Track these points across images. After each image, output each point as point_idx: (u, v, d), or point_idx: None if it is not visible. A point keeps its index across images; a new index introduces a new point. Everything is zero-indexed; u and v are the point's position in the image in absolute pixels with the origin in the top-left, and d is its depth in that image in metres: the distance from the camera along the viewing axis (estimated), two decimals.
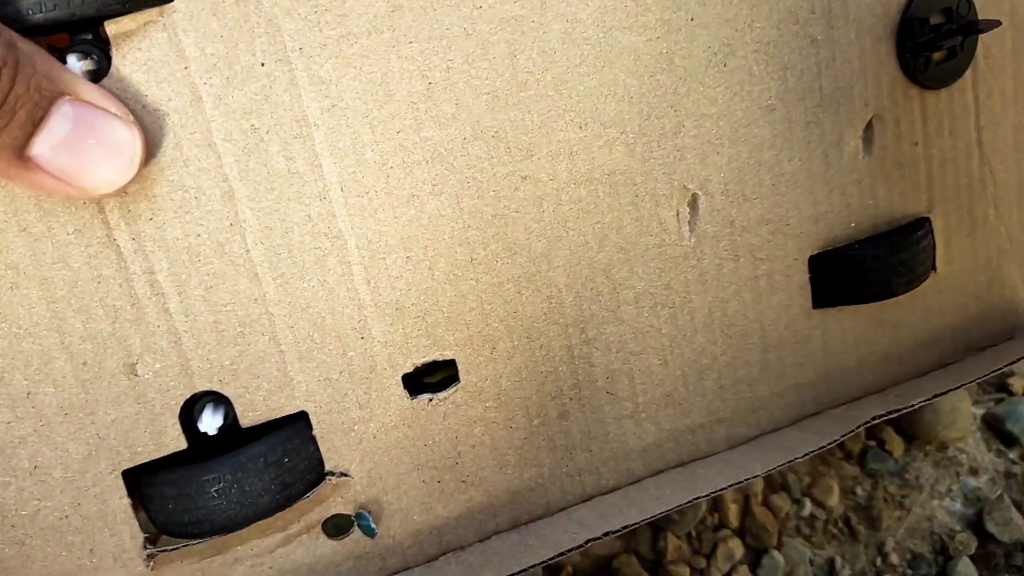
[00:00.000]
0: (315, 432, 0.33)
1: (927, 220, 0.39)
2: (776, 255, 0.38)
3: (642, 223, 0.35)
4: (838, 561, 0.59)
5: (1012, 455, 0.65)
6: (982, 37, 0.39)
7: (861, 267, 0.38)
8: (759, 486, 0.60)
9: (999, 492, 0.62)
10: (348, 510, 0.34)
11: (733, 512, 0.59)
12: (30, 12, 0.24)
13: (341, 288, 0.32)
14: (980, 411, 0.66)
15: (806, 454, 0.37)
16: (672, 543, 0.57)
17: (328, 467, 0.33)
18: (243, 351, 0.31)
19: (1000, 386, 0.66)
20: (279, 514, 0.32)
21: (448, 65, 0.31)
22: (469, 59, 0.32)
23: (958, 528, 0.61)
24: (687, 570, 0.56)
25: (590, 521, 0.36)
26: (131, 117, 0.26)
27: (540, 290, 0.34)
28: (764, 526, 0.59)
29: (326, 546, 0.34)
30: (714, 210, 0.36)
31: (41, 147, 0.23)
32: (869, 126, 0.37)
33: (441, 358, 0.34)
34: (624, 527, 0.34)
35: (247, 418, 0.32)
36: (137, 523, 0.31)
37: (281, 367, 0.32)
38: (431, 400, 0.34)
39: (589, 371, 0.36)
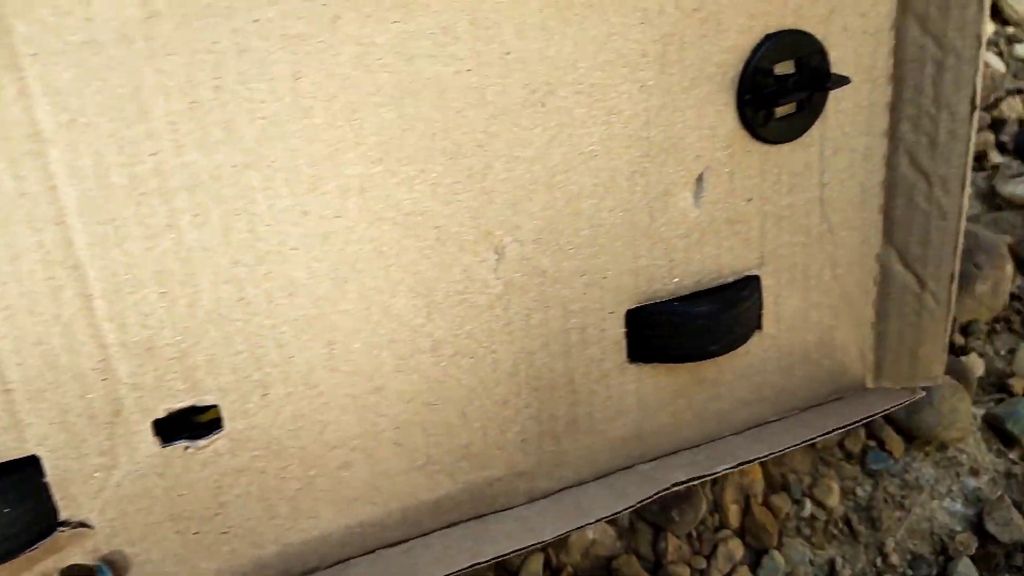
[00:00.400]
0: (48, 479, 0.29)
1: (755, 278, 0.37)
2: (590, 308, 0.35)
3: (443, 268, 0.32)
4: (838, 561, 0.59)
5: (1012, 455, 0.64)
6: (834, 91, 0.36)
7: (678, 326, 0.35)
8: (759, 486, 0.59)
9: (999, 492, 0.62)
10: (89, 560, 0.31)
11: (733, 512, 0.58)
12: None
13: (79, 323, 0.28)
14: (980, 411, 0.65)
15: (599, 519, 0.35)
16: (672, 543, 0.56)
17: (64, 516, 0.29)
18: None
19: (1000, 386, 0.65)
20: (8, 563, 0.29)
21: (216, 84, 0.27)
22: (243, 79, 0.28)
23: (958, 528, 0.60)
24: (687, 570, 0.56)
25: None
26: None
27: (323, 334, 0.31)
28: (764, 526, 0.58)
29: None
30: (524, 259, 0.33)
31: None
32: (700, 179, 0.35)
33: (201, 403, 0.31)
34: None
35: None
36: None
37: (8, 407, 0.28)
38: (187, 448, 0.30)
39: (376, 421, 0.33)
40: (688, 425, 0.39)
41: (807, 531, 0.59)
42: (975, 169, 0.73)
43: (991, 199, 0.79)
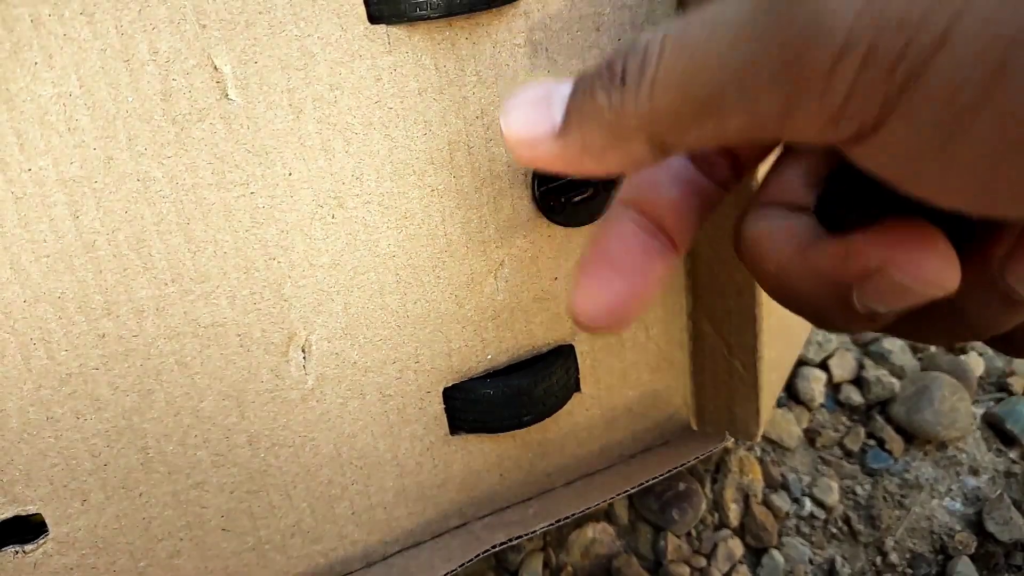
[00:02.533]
0: None
1: (568, 347, 0.39)
2: (407, 390, 0.36)
3: (250, 371, 0.33)
4: (838, 561, 0.58)
5: (1012, 455, 0.64)
6: None
7: (491, 400, 0.37)
8: (759, 486, 0.59)
9: (999, 492, 0.61)
10: None
11: (733, 512, 0.58)
12: None
13: None
14: (980, 411, 0.65)
15: None
16: (672, 543, 0.56)
17: None
18: None
19: (1000, 386, 0.65)
20: None
21: None
22: (23, 222, 0.28)
23: (958, 528, 0.60)
24: (687, 570, 0.55)
25: None
26: None
27: (134, 442, 0.32)
28: (764, 526, 0.58)
29: None
30: (333, 354, 0.34)
31: None
32: (503, 265, 0.36)
33: (24, 513, 0.32)
34: None
35: None
36: None
37: None
38: (17, 553, 0.32)
39: (200, 513, 0.34)
40: (518, 483, 0.41)
41: (807, 530, 0.60)
42: None
43: None
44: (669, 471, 0.41)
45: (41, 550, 0.32)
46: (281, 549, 0.37)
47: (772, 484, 0.60)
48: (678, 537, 0.56)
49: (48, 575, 0.33)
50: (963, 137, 0.16)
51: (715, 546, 0.56)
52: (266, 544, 0.36)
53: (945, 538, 0.60)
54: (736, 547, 0.57)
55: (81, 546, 0.33)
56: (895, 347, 0.68)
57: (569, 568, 0.53)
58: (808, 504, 0.60)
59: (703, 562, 0.56)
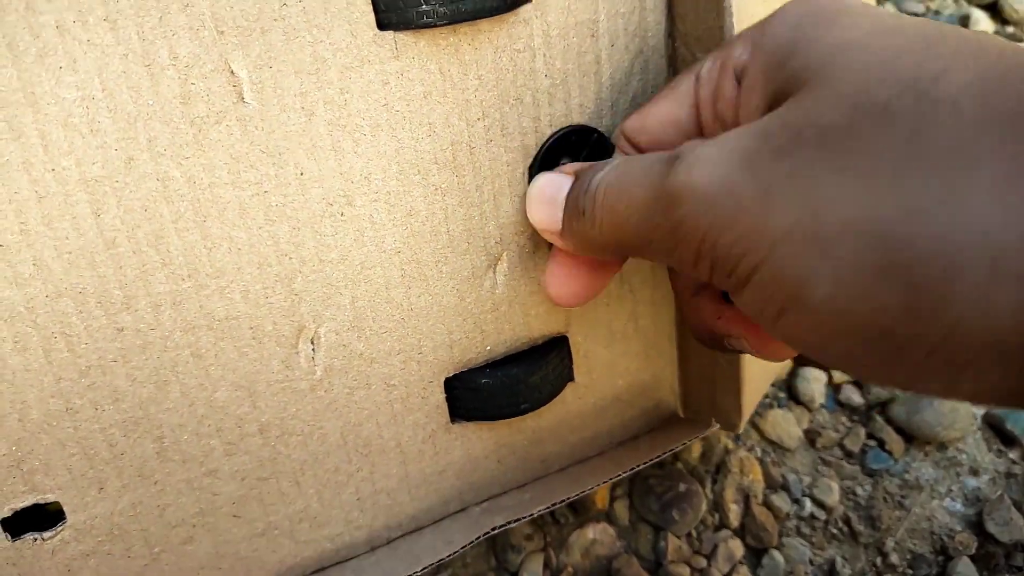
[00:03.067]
0: None
1: (563, 338, 0.40)
2: (410, 380, 0.38)
3: (262, 363, 0.34)
4: (838, 561, 0.58)
5: (1012, 455, 0.63)
6: None
7: (489, 390, 0.38)
8: (759, 486, 0.60)
9: (999, 492, 0.61)
10: None
11: (733, 512, 0.58)
12: None
13: None
14: (980, 411, 0.65)
15: (426, 566, 0.39)
16: (672, 543, 0.56)
17: None
18: None
19: None
20: None
21: (22, 228, 0.29)
22: (46, 220, 0.29)
23: (958, 528, 0.60)
24: (687, 570, 0.55)
25: None
26: None
27: (150, 432, 0.33)
28: (764, 526, 0.58)
29: None
30: (340, 345, 0.35)
31: None
32: (502, 260, 0.37)
33: (43, 501, 0.33)
34: None
35: None
36: None
37: None
38: (36, 540, 0.33)
39: (212, 499, 0.36)
40: (514, 469, 0.43)
41: (807, 531, 0.60)
42: None
43: None
44: (657, 456, 0.43)
45: (59, 537, 0.33)
46: (290, 534, 0.38)
47: (772, 485, 0.61)
48: (678, 538, 0.57)
49: (65, 561, 0.34)
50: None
51: (715, 547, 0.57)
52: (275, 529, 0.38)
53: (945, 539, 0.60)
54: (736, 547, 0.57)
55: (97, 533, 0.34)
56: None
57: (569, 568, 0.54)
58: (808, 505, 0.60)
59: (703, 563, 0.56)
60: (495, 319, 0.39)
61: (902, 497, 0.62)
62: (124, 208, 0.30)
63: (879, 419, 0.65)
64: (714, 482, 0.60)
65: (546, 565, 0.54)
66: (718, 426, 0.44)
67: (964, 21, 0.79)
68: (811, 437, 0.65)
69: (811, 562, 0.58)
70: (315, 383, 0.36)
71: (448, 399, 0.39)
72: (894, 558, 0.59)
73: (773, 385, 0.65)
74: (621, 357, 0.43)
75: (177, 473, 0.35)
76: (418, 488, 0.40)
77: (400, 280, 0.36)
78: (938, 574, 0.59)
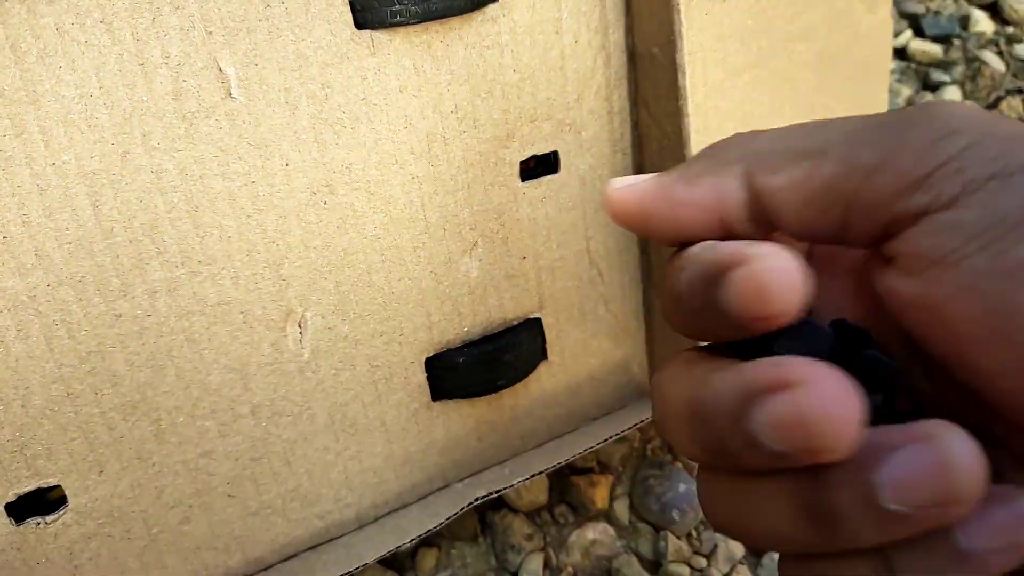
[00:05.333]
0: None
1: (536, 320, 0.42)
2: (392, 361, 0.39)
3: (252, 346, 0.36)
4: None
5: None
6: (589, 159, 0.41)
7: (467, 368, 0.40)
8: None
9: None
10: None
11: None
12: None
13: None
14: None
15: (414, 538, 0.41)
16: (672, 543, 0.55)
17: None
18: None
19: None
20: None
21: (24, 220, 0.30)
22: (47, 212, 0.31)
23: None
24: (687, 570, 0.54)
25: None
26: None
27: (148, 415, 0.35)
28: None
29: None
30: (326, 328, 0.37)
31: None
32: (476, 246, 0.39)
33: (46, 485, 0.34)
34: None
35: None
36: None
37: None
38: (39, 524, 0.34)
39: (208, 480, 0.37)
40: (494, 446, 0.44)
41: None
42: None
43: None
44: (627, 429, 0.45)
45: (61, 520, 0.35)
46: (282, 513, 0.40)
47: None
48: (678, 537, 0.56)
49: (67, 544, 0.35)
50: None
51: (715, 546, 0.56)
52: (268, 508, 0.39)
53: None
54: (736, 547, 0.57)
55: (98, 515, 0.35)
56: None
57: (569, 569, 0.54)
58: None
59: (703, 562, 0.56)
60: (471, 302, 0.41)
61: None
62: (121, 200, 0.32)
63: None
64: None
65: (546, 565, 0.54)
66: None
67: (964, 21, 0.78)
68: None
69: None
70: (303, 364, 0.37)
71: (429, 379, 0.41)
72: None
73: None
74: (592, 338, 0.45)
75: (174, 455, 0.36)
76: (403, 466, 0.42)
77: (381, 265, 0.38)
78: None
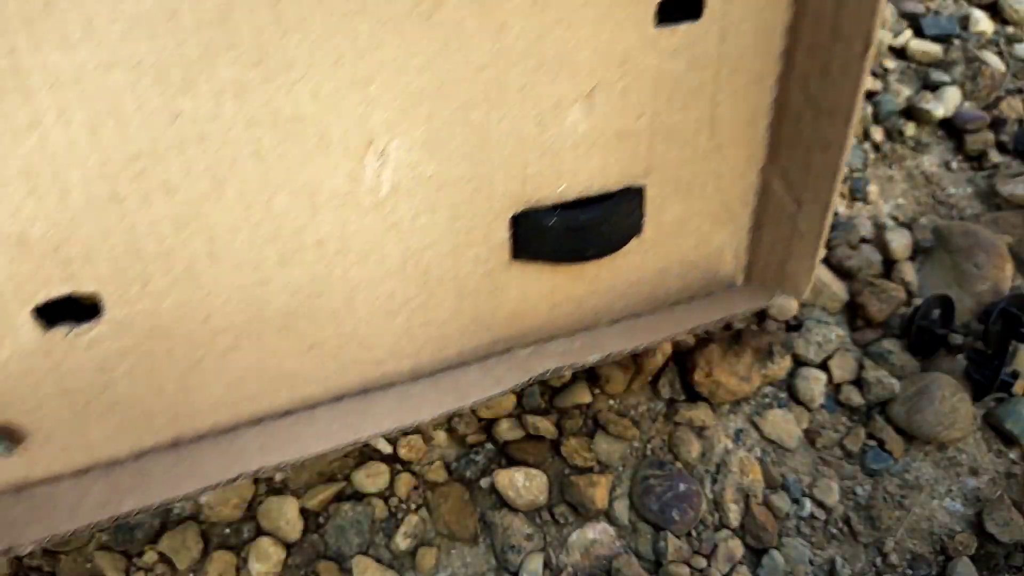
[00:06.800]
0: None
1: (639, 189, 0.36)
2: (476, 212, 0.34)
3: (326, 172, 0.30)
4: (838, 561, 0.57)
5: (1012, 455, 0.62)
6: (735, 11, 0.34)
7: (556, 232, 0.35)
8: (759, 486, 0.58)
9: (999, 492, 0.60)
10: None
11: (733, 512, 0.57)
12: None
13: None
14: (980, 411, 0.63)
15: (475, 402, 0.37)
16: (672, 543, 0.54)
17: None
18: None
19: (1001, 385, 0.61)
20: None
21: None
22: None
23: (958, 528, 0.59)
24: (687, 570, 0.54)
25: (251, 451, 0.33)
26: None
27: (202, 231, 0.30)
28: (764, 526, 0.56)
29: None
30: (410, 165, 0.32)
31: None
32: (592, 94, 0.32)
33: (81, 293, 0.30)
34: (278, 465, 0.34)
35: None
36: None
37: None
38: (70, 331, 0.30)
39: (261, 310, 0.32)
40: (566, 316, 0.39)
41: (807, 531, 0.58)
42: (975, 169, 0.68)
43: (991, 199, 0.75)
44: (709, 323, 0.39)
45: (95, 331, 0.30)
46: (335, 355, 0.35)
47: (772, 484, 0.59)
48: (678, 537, 0.55)
49: (100, 356, 0.31)
50: None
51: (715, 546, 0.55)
52: (321, 347, 0.34)
53: (945, 539, 0.59)
54: (736, 547, 0.56)
55: (137, 331, 0.31)
56: (895, 347, 0.65)
57: (569, 568, 0.53)
58: (808, 504, 0.59)
59: (703, 562, 0.55)
60: (573, 158, 0.34)
61: (902, 497, 0.60)
62: None
63: (879, 419, 0.62)
64: (714, 482, 0.58)
65: (546, 565, 0.53)
66: (778, 296, 0.41)
67: (964, 21, 0.75)
68: (811, 437, 0.62)
69: (811, 562, 0.57)
70: (379, 201, 0.31)
71: (512, 236, 0.35)
72: (894, 558, 0.58)
73: (773, 385, 0.62)
74: (693, 217, 0.39)
75: (228, 278, 0.31)
76: (469, 324, 0.37)
77: (482, 100, 0.31)
78: (938, 574, 0.58)
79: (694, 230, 0.39)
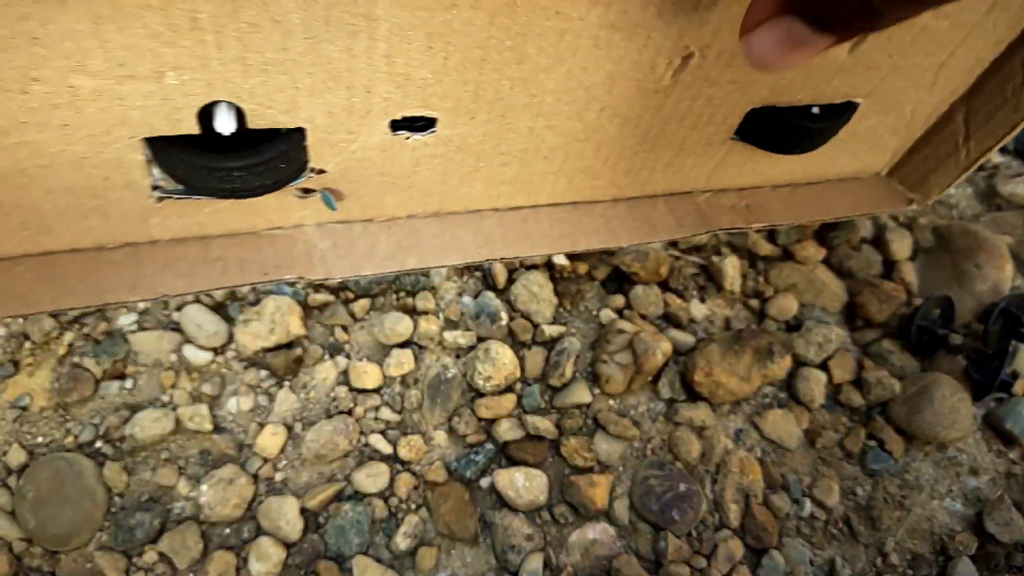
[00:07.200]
0: (308, 143, 0.39)
1: (856, 105, 0.48)
2: (728, 102, 0.45)
3: (637, 63, 0.40)
4: (838, 561, 0.57)
5: (1012, 455, 0.63)
6: None
7: (785, 129, 0.46)
8: (759, 486, 0.59)
9: (999, 492, 0.61)
10: (317, 188, 0.42)
11: (733, 512, 0.58)
12: None
13: (363, 55, 0.35)
14: (980, 411, 0.64)
15: (662, 239, 0.47)
16: (672, 543, 0.54)
17: (312, 165, 0.40)
18: (263, 82, 0.35)
19: (1001, 385, 0.65)
20: (277, 191, 0.40)
21: None
22: None
23: (958, 528, 0.59)
24: (687, 570, 0.54)
25: (494, 237, 0.45)
26: None
27: (529, 89, 0.39)
28: (764, 526, 0.57)
29: (295, 201, 0.42)
30: (700, 67, 0.42)
31: None
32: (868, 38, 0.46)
33: (430, 115, 0.39)
34: (505, 257, 0.45)
35: (256, 124, 0.37)
36: (149, 169, 0.38)
37: (293, 98, 0.36)
38: (407, 138, 0.39)
39: (539, 145, 0.43)
40: (747, 181, 0.51)
41: (807, 531, 0.59)
42: (975, 169, 0.70)
43: (991, 199, 0.76)
44: (858, 215, 0.52)
45: (423, 140, 0.39)
46: (569, 178, 0.45)
47: (772, 485, 0.62)
48: (678, 537, 0.56)
49: (418, 155, 0.40)
50: None
51: (715, 546, 0.57)
52: (562, 172, 0.44)
53: (945, 539, 0.61)
54: (736, 547, 0.57)
55: (451, 145, 0.40)
56: (895, 347, 0.65)
57: (569, 568, 0.54)
58: (808, 505, 0.61)
59: (703, 562, 0.56)
60: (821, 77, 0.45)
61: (902, 497, 0.63)
62: None
63: (879, 419, 0.67)
64: (714, 482, 0.61)
65: (546, 565, 0.55)
66: (912, 205, 0.56)
67: None
68: (811, 437, 0.66)
69: (811, 562, 0.59)
70: (662, 90, 0.42)
71: (741, 128, 0.46)
72: (894, 558, 0.60)
73: (773, 385, 0.67)
74: (883, 126, 0.51)
75: (526, 121, 0.41)
76: (675, 174, 0.47)
77: None
78: (938, 574, 0.60)
79: (876, 136, 0.52)
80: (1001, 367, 0.63)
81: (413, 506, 0.56)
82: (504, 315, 0.62)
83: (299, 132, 0.39)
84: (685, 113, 0.45)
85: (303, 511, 0.55)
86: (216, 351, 0.58)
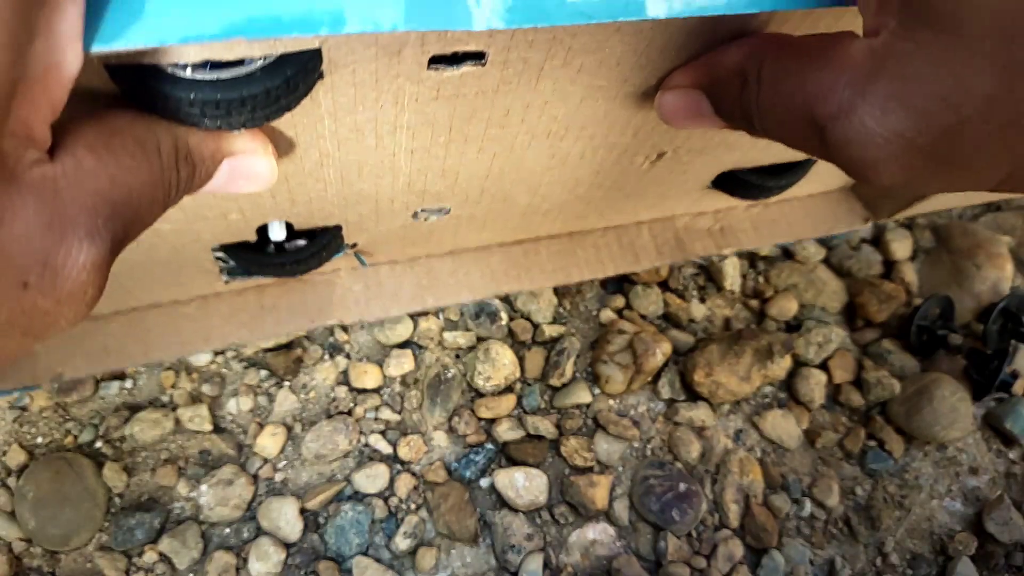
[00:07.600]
0: (344, 233, 0.46)
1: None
2: (702, 171, 0.47)
3: (618, 162, 0.43)
4: (838, 561, 0.57)
5: (1012, 455, 0.63)
6: None
7: (751, 185, 0.48)
8: (759, 486, 0.60)
9: (999, 492, 0.61)
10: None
11: (733, 512, 0.58)
12: None
13: (387, 186, 0.40)
14: (980, 411, 0.64)
15: (643, 268, 0.54)
16: (672, 543, 0.54)
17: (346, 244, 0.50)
18: (307, 209, 0.40)
19: (1001, 385, 0.65)
20: None
21: None
22: None
23: (958, 528, 0.59)
24: (687, 570, 0.54)
25: (500, 272, 0.53)
26: (269, 148, 0.31)
27: (526, 183, 0.42)
28: (764, 526, 0.57)
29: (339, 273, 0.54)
30: (674, 159, 0.44)
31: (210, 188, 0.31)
32: None
33: (444, 208, 0.44)
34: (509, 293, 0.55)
35: (301, 228, 0.44)
36: (218, 260, 0.46)
37: (330, 213, 0.42)
38: (426, 219, 0.45)
39: (536, 209, 0.47)
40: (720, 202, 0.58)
41: (807, 531, 0.59)
42: None
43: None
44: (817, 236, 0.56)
45: (437, 218, 0.44)
46: (564, 218, 0.52)
47: (772, 485, 0.61)
48: (678, 538, 0.56)
49: (434, 225, 0.46)
50: None
51: (715, 547, 0.57)
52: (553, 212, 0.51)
53: (945, 539, 0.61)
54: (736, 547, 0.57)
55: (460, 220, 0.45)
56: (895, 347, 0.65)
57: (569, 568, 0.54)
58: (808, 504, 0.61)
59: (703, 563, 0.57)
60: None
61: (902, 497, 0.63)
62: None
63: (879, 419, 0.66)
64: (714, 482, 0.61)
65: (546, 565, 0.55)
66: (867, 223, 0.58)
67: None
68: (811, 437, 0.65)
69: (811, 562, 0.59)
70: (642, 173, 0.45)
71: (715, 181, 0.50)
72: (894, 558, 0.60)
73: (773, 385, 0.67)
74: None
75: (524, 199, 0.44)
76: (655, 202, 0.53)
77: None
78: (938, 574, 0.60)
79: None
80: (1001, 367, 0.63)
81: (413, 506, 0.57)
82: (504, 315, 0.62)
83: (337, 227, 0.46)
84: (664, 180, 0.49)
85: (303, 511, 0.55)
86: (216, 351, 0.58)
